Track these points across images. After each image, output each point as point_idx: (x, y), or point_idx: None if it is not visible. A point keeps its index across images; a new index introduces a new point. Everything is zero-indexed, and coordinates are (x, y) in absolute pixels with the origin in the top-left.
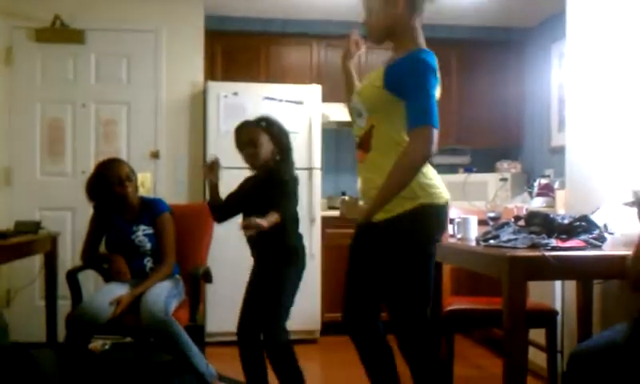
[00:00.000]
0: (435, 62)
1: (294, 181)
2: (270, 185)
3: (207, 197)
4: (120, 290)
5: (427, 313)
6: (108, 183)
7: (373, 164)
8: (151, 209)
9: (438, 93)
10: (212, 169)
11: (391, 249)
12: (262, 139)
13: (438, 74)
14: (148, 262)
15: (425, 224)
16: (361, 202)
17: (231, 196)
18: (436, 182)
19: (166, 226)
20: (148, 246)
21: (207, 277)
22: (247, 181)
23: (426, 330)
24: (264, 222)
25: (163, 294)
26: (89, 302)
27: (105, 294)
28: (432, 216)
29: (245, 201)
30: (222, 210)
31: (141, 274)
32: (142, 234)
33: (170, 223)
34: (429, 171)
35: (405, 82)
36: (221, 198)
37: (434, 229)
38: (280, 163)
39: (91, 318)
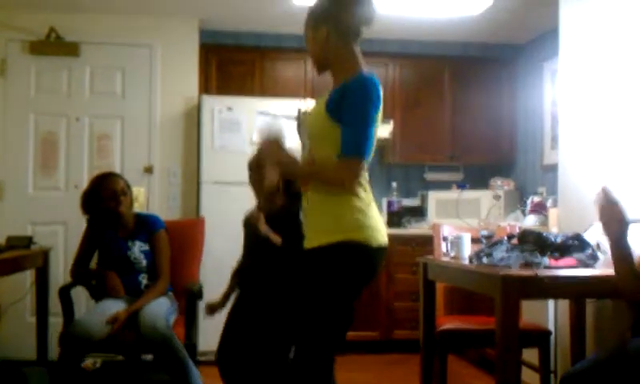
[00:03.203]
0: (378, 85)
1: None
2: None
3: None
4: (115, 307)
5: (328, 354)
6: (102, 198)
7: (313, 195)
8: (147, 225)
9: (379, 118)
10: (211, 311)
11: (309, 278)
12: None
13: (381, 96)
14: (143, 279)
15: (350, 262)
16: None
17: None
18: (376, 223)
19: (162, 243)
20: (144, 262)
21: (199, 294)
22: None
23: (321, 372)
24: (263, 228)
25: (163, 310)
26: (83, 320)
27: (100, 311)
28: (361, 256)
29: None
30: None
31: (136, 291)
32: (138, 250)
33: (166, 241)
34: (371, 210)
35: (344, 106)
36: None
37: (359, 270)
38: (287, 195)
39: (85, 335)
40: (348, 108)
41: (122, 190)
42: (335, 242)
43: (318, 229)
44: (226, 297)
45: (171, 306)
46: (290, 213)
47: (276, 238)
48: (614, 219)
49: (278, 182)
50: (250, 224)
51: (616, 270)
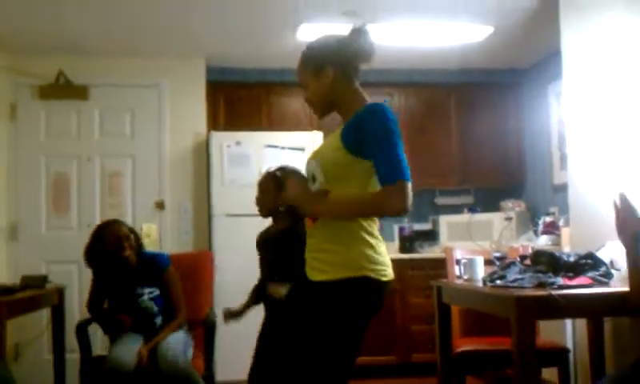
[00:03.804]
0: (391, 111)
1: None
2: (288, 244)
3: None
4: (136, 344)
5: None
6: (105, 248)
7: (324, 229)
8: (154, 266)
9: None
10: (229, 317)
11: (318, 312)
12: (269, 187)
13: (398, 124)
14: (158, 320)
15: (362, 297)
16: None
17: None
18: (385, 259)
19: (173, 280)
20: (155, 309)
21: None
22: (264, 244)
23: None
24: (283, 291)
25: (181, 345)
26: (114, 354)
27: (123, 347)
28: (371, 291)
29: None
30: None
31: (152, 332)
32: (148, 297)
33: (176, 276)
34: (380, 246)
35: (365, 137)
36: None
37: (370, 304)
38: (291, 217)
39: (120, 367)
40: (371, 137)
41: (125, 235)
42: (347, 277)
43: (329, 261)
44: (245, 307)
45: (188, 340)
46: (295, 234)
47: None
48: (627, 229)
49: (282, 203)
50: (264, 245)
51: (630, 281)
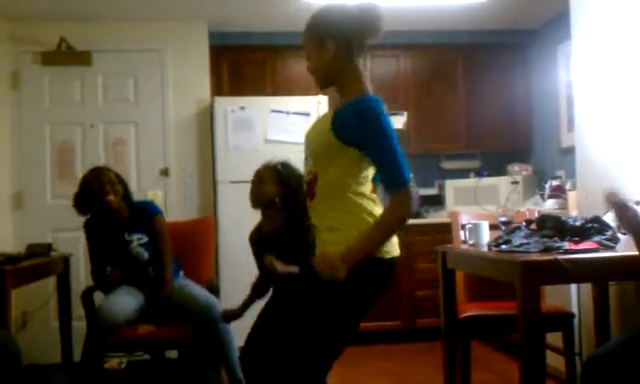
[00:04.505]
0: (384, 108)
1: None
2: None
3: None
4: (128, 296)
5: (316, 368)
6: (90, 191)
7: (318, 210)
8: (143, 213)
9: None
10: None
11: (316, 291)
12: (266, 177)
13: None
14: (152, 272)
15: (369, 277)
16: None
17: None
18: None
19: (161, 228)
20: (146, 255)
21: (217, 290)
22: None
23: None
24: (279, 267)
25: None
26: (106, 307)
27: (115, 299)
28: (378, 270)
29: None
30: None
31: (147, 283)
32: (137, 244)
33: (164, 225)
34: None
35: (364, 137)
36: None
37: (376, 283)
38: (288, 211)
39: (112, 319)
40: (373, 140)
41: (109, 180)
42: None
43: (324, 242)
44: (244, 306)
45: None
46: (292, 230)
47: (294, 269)
48: (625, 220)
49: (277, 197)
50: (255, 242)
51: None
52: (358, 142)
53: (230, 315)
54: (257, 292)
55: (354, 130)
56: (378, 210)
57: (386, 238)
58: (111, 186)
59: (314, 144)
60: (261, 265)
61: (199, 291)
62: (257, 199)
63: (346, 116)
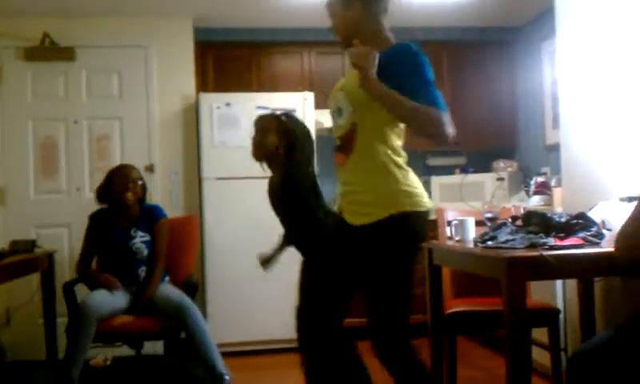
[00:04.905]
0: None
1: (305, 176)
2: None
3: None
4: (120, 299)
5: (408, 320)
6: (112, 184)
7: (356, 166)
8: (151, 214)
9: None
10: (265, 263)
11: (372, 255)
12: (269, 126)
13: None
14: (142, 272)
15: (407, 231)
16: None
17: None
18: (419, 190)
19: (163, 231)
20: (145, 252)
21: (196, 285)
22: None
23: (408, 337)
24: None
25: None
26: (92, 299)
27: (105, 296)
28: (414, 224)
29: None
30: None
31: (134, 282)
32: (140, 240)
33: (167, 230)
34: (412, 179)
35: (403, 74)
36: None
37: (415, 236)
38: (289, 161)
39: (96, 311)
40: (414, 76)
41: (132, 179)
42: (389, 215)
43: (367, 203)
44: (277, 251)
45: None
46: (292, 180)
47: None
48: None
49: (279, 146)
50: (270, 196)
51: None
52: (403, 82)
53: (265, 260)
54: (286, 240)
55: (399, 69)
56: (410, 184)
57: (411, 115)
58: (133, 184)
59: (354, 92)
60: (282, 219)
61: (174, 291)
62: (259, 150)
63: (392, 57)
